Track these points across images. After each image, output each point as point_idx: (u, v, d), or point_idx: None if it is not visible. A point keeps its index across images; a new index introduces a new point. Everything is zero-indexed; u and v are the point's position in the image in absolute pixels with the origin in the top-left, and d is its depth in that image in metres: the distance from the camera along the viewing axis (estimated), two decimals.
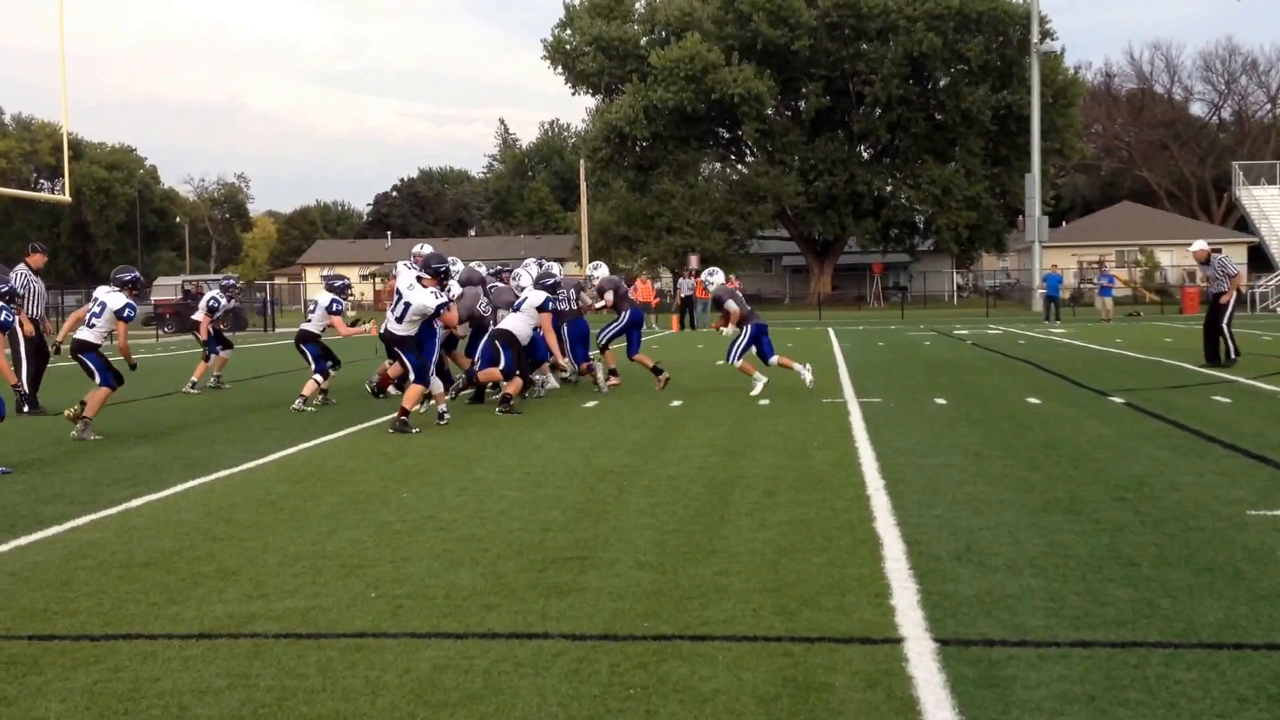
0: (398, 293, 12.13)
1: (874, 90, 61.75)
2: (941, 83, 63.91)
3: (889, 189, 66.91)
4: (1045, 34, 59.65)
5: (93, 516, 7.46)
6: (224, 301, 17.50)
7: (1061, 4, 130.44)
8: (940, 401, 13.69)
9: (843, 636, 4.78)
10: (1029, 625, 4.89)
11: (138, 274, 12.87)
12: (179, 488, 8.52)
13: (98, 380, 11.89)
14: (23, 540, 6.82)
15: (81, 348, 12.06)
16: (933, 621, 4.95)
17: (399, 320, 11.95)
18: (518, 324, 13.36)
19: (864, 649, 4.63)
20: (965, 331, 32.97)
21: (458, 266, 15.54)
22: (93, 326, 12.18)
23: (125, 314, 12.13)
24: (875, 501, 7.59)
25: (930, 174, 62.78)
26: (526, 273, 15.10)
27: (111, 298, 12.20)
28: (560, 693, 4.18)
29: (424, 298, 11.92)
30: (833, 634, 4.81)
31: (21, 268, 15.00)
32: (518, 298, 13.98)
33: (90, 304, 12.52)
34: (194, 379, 16.87)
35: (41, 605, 5.38)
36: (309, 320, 14.79)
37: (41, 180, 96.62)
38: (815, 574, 5.75)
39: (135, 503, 7.93)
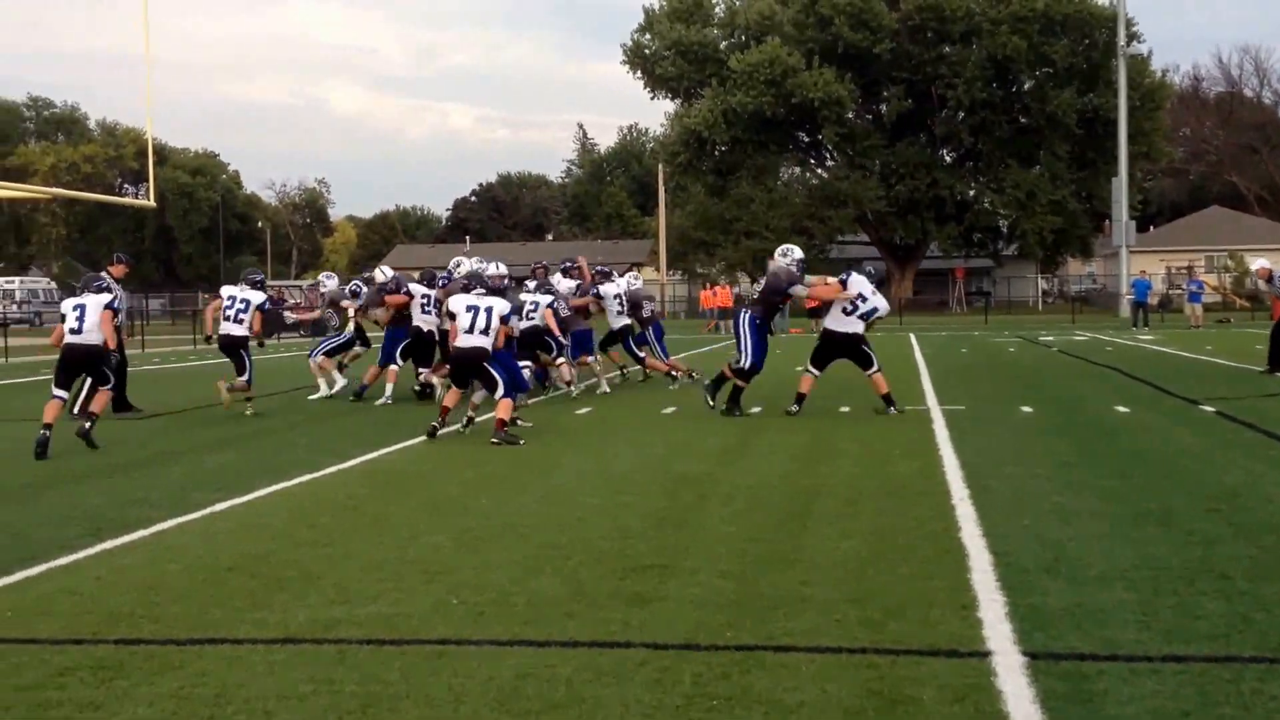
0: (473, 308, 11.56)
1: (957, 93, 61.12)
2: (1026, 86, 63.10)
3: (972, 193, 66.20)
4: (1132, 37, 58.75)
5: (178, 520, 7.56)
6: (364, 289, 17.20)
7: (1148, 7, 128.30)
8: (1026, 409, 13.47)
9: (929, 649, 4.69)
10: (1120, 639, 4.78)
11: (263, 275, 15.33)
12: (262, 492, 8.61)
13: (246, 376, 13.96)
14: (109, 544, 6.91)
15: (234, 343, 14.14)
16: (1021, 634, 4.85)
17: (484, 333, 11.44)
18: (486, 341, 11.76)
19: (951, 662, 4.54)
20: (1050, 338, 32.46)
21: (464, 268, 15.96)
22: (240, 322, 14.10)
23: (264, 306, 14.45)
24: (960, 511, 7.46)
25: (1014, 178, 61.98)
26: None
27: (253, 294, 14.28)
28: (643, 702, 4.14)
29: (503, 305, 11.64)
30: (919, 646, 4.72)
31: (105, 277, 15.35)
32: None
33: (225, 303, 14.28)
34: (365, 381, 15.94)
35: (128, 609, 5.45)
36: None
37: (126, 185, 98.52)
38: (900, 585, 5.66)
39: (220, 507, 8.03)
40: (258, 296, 14.38)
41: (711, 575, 5.89)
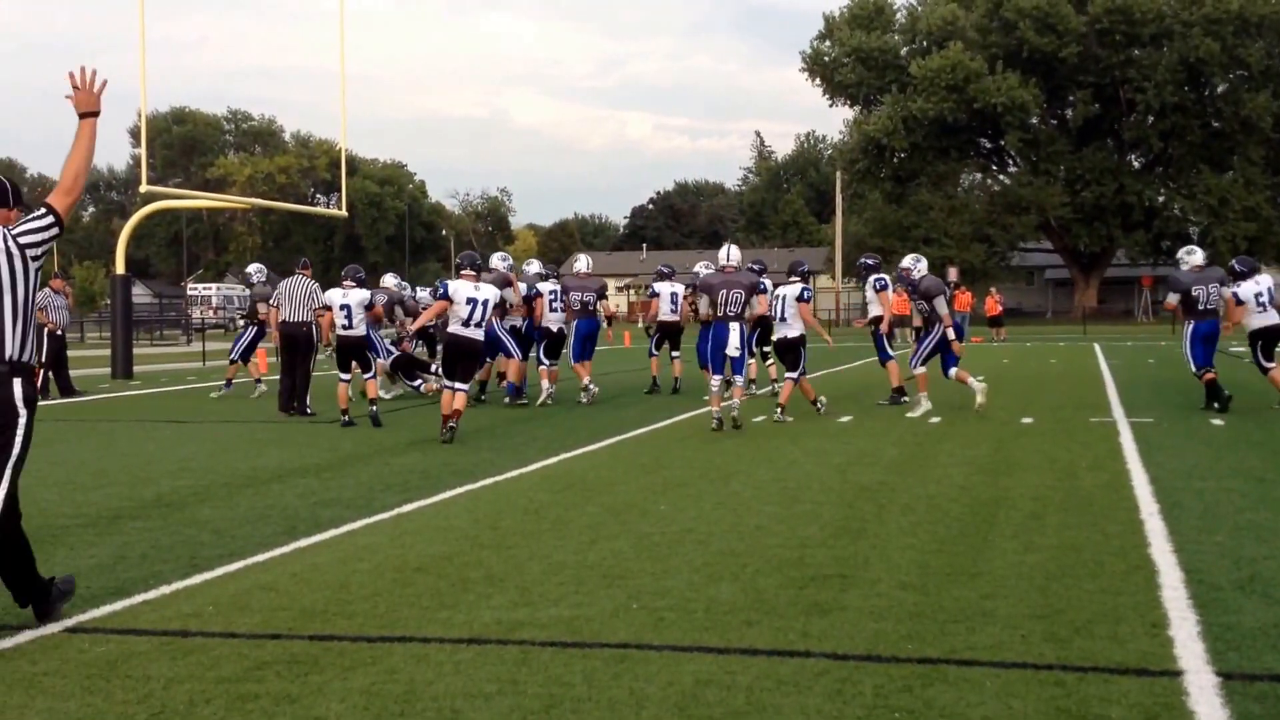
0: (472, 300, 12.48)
1: (1146, 97, 59.09)
2: (1219, 89, 60.57)
3: (1161, 199, 63.94)
4: None
5: (367, 521, 7.80)
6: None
7: None
8: (1217, 422, 12.94)
9: (1118, 667, 4.55)
10: None
11: (363, 273, 15.35)
12: (447, 494, 8.83)
13: (373, 370, 14.50)
14: (303, 542, 7.18)
15: (355, 344, 14.28)
16: (1214, 654, 4.68)
17: (478, 325, 12.60)
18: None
19: (1141, 681, 4.40)
20: (1243, 349, 31.07)
21: (533, 268, 17.42)
22: (351, 326, 14.21)
23: (370, 303, 14.56)
24: (1150, 526, 7.22)
25: (1206, 184, 59.63)
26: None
27: (354, 295, 14.35)
28: (824, 713, 4.11)
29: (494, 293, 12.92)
30: (1107, 664, 4.59)
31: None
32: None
33: (338, 310, 14.45)
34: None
35: (321, 606, 5.65)
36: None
37: (318, 195, 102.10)
38: (1087, 601, 5.50)
39: (407, 508, 8.26)
40: (359, 295, 14.29)
41: (892, 586, 5.81)
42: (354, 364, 14.58)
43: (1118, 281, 70.74)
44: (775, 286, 14.91)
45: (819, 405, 14.41)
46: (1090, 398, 16.52)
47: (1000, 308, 43.05)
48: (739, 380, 13.78)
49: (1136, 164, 65.89)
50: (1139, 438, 11.67)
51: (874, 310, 16.28)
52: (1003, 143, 64.94)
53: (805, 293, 14.00)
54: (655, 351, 18.47)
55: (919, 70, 60.36)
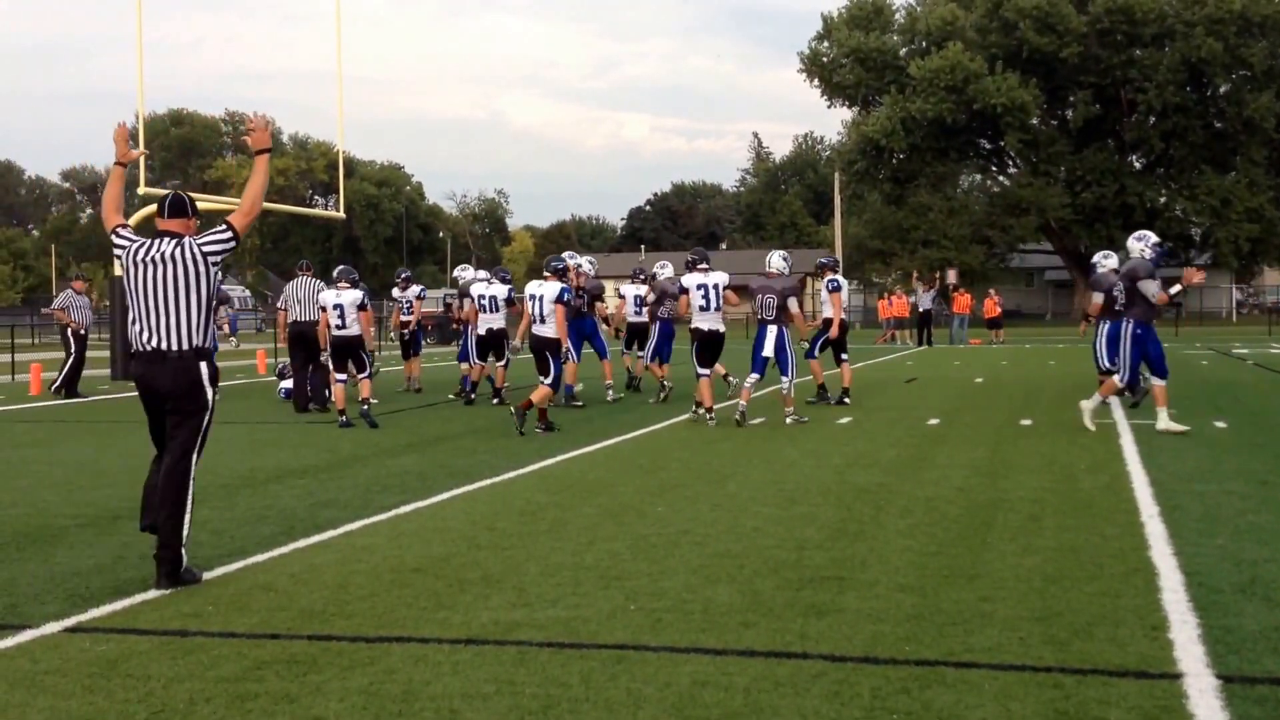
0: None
1: (1148, 98, 59.08)
2: (1222, 89, 60.54)
3: (1163, 200, 63.89)
4: None
5: (365, 522, 7.81)
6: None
7: None
8: (1220, 424, 12.94)
9: (1117, 669, 4.55)
10: None
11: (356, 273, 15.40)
12: (444, 496, 8.84)
13: (367, 372, 14.59)
14: (301, 543, 7.18)
15: (349, 344, 14.43)
16: (1214, 657, 4.67)
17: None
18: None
19: (1140, 683, 4.40)
20: (1245, 350, 31.07)
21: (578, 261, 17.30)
22: (345, 326, 14.37)
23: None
24: (1150, 529, 7.22)
25: (1208, 185, 59.61)
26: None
27: (347, 296, 14.40)
28: (822, 714, 4.11)
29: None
30: (1106, 666, 4.59)
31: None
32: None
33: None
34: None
35: (320, 606, 5.65)
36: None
37: (316, 196, 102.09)
38: (1086, 603, 5.50)
39: (404, 509, 8.26)
40: (351, 296, 14.37)
41: (890, 588, 5.82)
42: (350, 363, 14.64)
43: None
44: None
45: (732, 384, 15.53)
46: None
47: (999, 309, 43.05)
48: (785, 382, 13.89)
49: (1138, 165, 65.87)
50: (1139, 440, 11.67)
51: (826, 311, 16.27)
52: (1002, 144, 64.91)
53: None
54: (626, 350, 18.70)
55: (918, 71, 60.35)
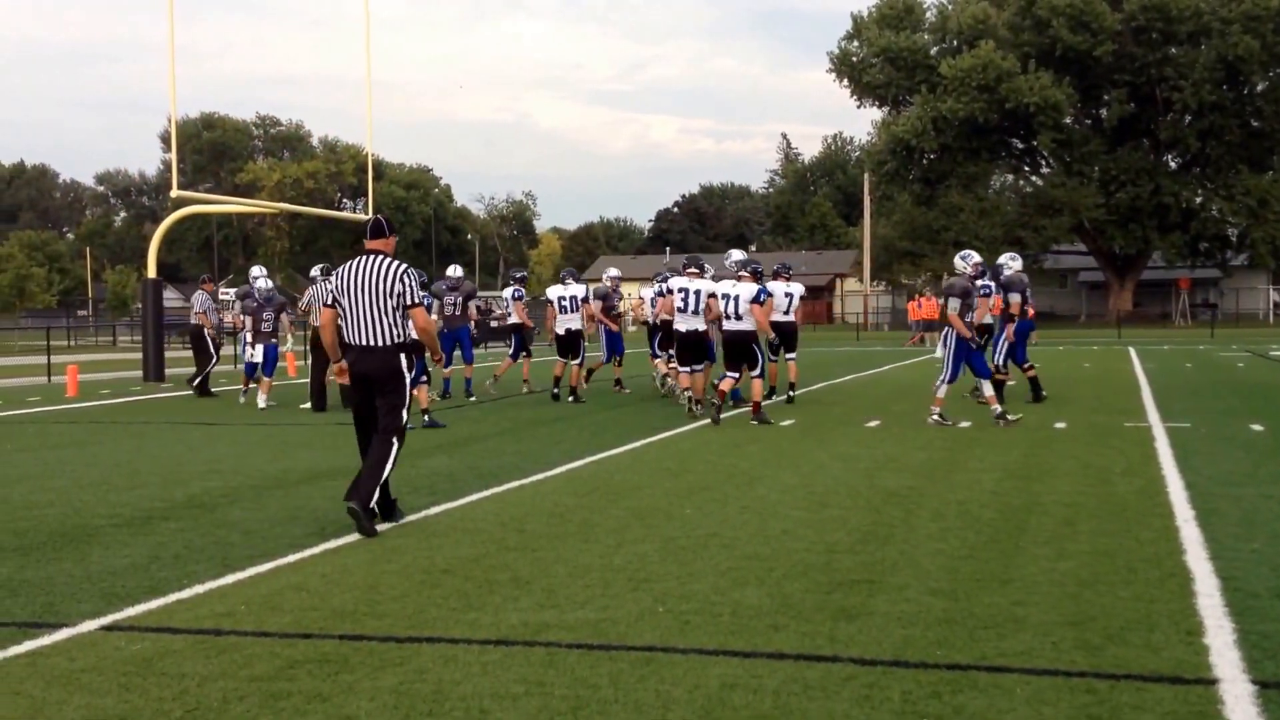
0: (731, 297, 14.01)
1: (1183, 96, 58.64)
2: (1259, 87, 60.03)
3: (1199, 200, 63.39)
4: None
5: (395, 523, 7.83)
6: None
7: None
8: (1257, 428, 12.82)
9: (1151, 675, 4.52)
10: None
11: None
12: (473, 497, 8.85)
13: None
14: (332, 543, 7.22)
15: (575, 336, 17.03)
16: (1251, 662, 4.63)
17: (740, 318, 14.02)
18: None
19: (1174, 689, 4.36)
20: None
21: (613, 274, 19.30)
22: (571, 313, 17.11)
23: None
24: (1185, 533, 7.15)
25: (1245, 184, 59.12)
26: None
27: (577, 288, 17.12)
28: (851, 718, 4.10)
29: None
30: (1140, 672, 4.55)
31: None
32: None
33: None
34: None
35: (351, 606, 5.68)
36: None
37: (345, 199, 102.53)
38: (1120, 608, 5.46)
39: (433, 511, 8.29)
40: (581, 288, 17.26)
41: (920, 592, 5.79)
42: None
43: (1154, 284, 70.24)
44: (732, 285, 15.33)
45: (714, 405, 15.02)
46: (1125, 402, 16.41)
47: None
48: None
49: (1173, 164, 65.40)
50: (1175, 443, 11.58)
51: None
52: (1035, 143, 64.59)
53: (761, 294, 14.32)
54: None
55: (949, 70, 60.11)
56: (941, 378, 13.46)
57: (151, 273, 26.16)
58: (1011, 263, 16.04)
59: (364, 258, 7.84)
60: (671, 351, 17.54)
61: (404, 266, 7.87)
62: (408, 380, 7.82)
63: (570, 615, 5.45)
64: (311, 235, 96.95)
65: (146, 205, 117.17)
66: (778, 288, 16.90)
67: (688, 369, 14.97)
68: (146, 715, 4.23)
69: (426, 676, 4.58)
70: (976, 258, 14.12)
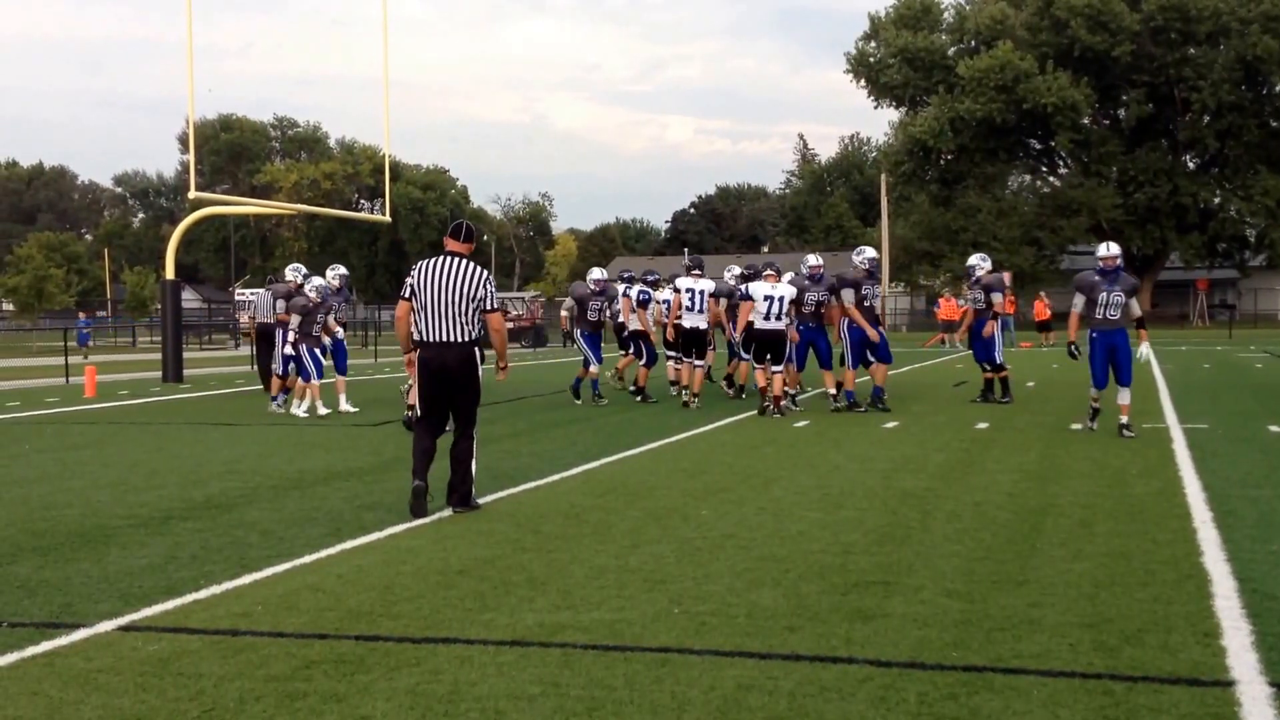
0: (773, 299, 14.71)
1: (1202, 96, 58.41)
2: (1278, 87, 59.73)
3: (1217, 201, 63.16)
4: None
5: (411, 524, 7.84)
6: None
7: None
8: (1275, 429, 12.77)
9: (1168, 677, 4.50)
10: None
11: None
12: (489, 498, 8.85)
13: (644, 359, 17.19)
14: (348, 544, 7.23)
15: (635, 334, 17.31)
16: (1268, 665, 4.62)
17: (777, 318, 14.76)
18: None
19: (1192, 691, 4.34)
20: None
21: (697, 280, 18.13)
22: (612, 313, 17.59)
23: (641, 298, 17.27)
24: (1203, 535, 7.13)
25: (1264, 184, 58.85)
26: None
27: (704, 282, 16.51)
28: (868, 719, 4.10)
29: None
30: (1157, 674, 4.54)
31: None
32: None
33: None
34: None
35: (367, 607, 5.69)
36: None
37: (362, 200, 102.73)
38: (1137, 610, 5.44)
39: (448, 512, 8.30)
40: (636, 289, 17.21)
41: (936, 593, 5.78)
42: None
43: (1172, 285, 69.97)
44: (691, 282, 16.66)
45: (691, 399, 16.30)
46: (1142, 403, 16.32)
47: (1049, 312, 42.64)
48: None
49: (1191, 165, 65.13)
50: (1192, 444, 11.53)
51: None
52: (1053, 144, 64.42)
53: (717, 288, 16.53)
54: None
55: (967, 70, 59.97)
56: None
57: (170, 274, 26.25)
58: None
59: (444, 257, 8.23)
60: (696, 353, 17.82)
61: (486, 273, 8.28)
62: (480, 375, 8.26)
63: (586, 616, 5.45)
64: (329, 236, 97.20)
65: (164, 206, 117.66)
66: (684, 283, 17.25)
67: (680, 361, 16.58)
68: (163, 715, 4.25)
69: (442, 677, 4.59)
70: (870, 252, 15.56)
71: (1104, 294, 12.17)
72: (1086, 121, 62.92)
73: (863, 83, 67.75)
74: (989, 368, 16.36)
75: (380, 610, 5.62)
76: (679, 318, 16.70)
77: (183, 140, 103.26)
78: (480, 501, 8.48)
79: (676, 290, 16.67)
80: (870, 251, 15.57)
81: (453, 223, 8.55)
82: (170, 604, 5.81)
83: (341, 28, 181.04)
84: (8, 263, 75.02)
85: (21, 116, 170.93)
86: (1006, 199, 66.29)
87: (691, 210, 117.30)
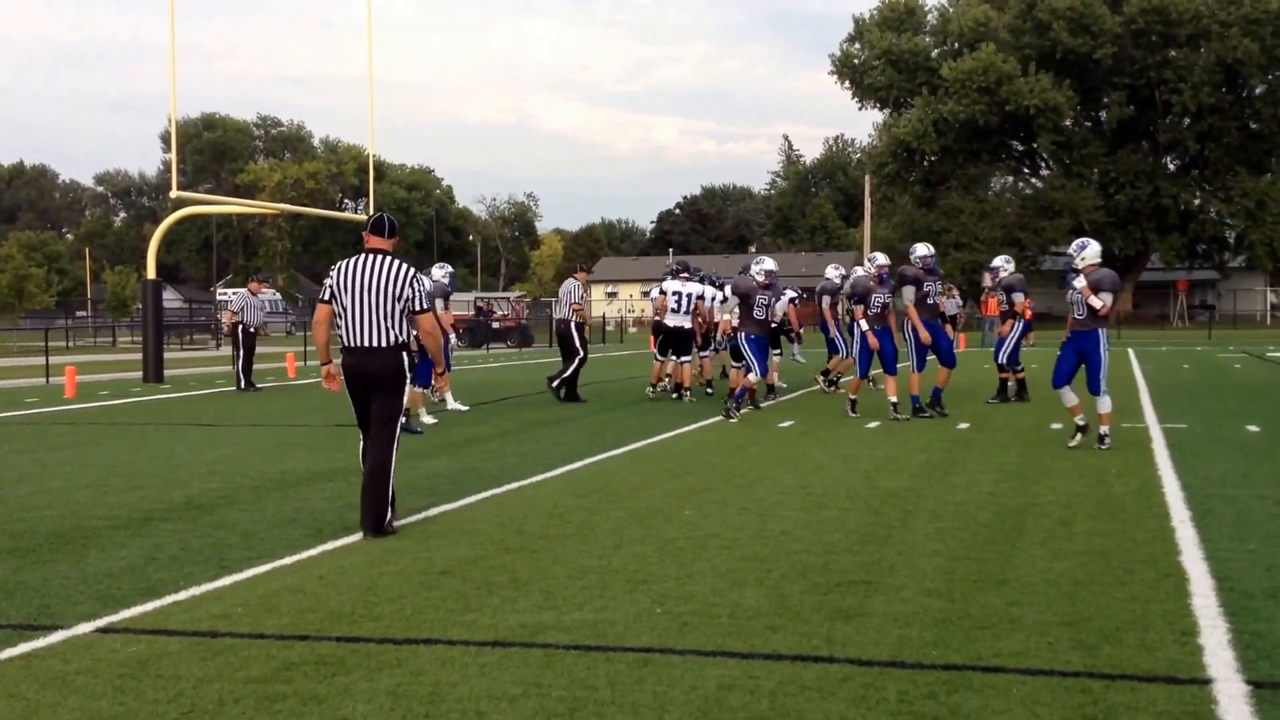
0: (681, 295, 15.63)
1: (1182, 99, 58.69)
2: (1258, 90, 60.09)
3: (1197, 202, 63.48)
4: None
5: (394, 524, 7.83)
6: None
7: None
8: (1253, 429, 12.83)
9: (1146, 675, 4.52)
10: None
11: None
12: (473, 499, 8.85)
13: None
14: (330, 545, 7.21)
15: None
16: (1245, 663, 4.64)
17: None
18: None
19: (1169, 689, 4.37)
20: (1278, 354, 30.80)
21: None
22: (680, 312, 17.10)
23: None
24: (1181, 534, 7.16)
25: (1243, 186, 59.16)
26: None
27: (692, 286, 17.10)
28: (848, 718, 4.10)
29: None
30: (1135, 672, 4.56)
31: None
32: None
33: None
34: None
35: (348, 608, 5.67)
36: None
37: (346, 200, 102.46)
38: (1115, 608, 5.46)
39: (433, 512, 8.29)
40: (697, 288, 17.27)
41: (917, 593, 5.79)
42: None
43: (1153, 285, 70.27)
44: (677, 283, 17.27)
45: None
46: (1122, 403, 16.38)
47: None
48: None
49: (1172, 166, 65.45)
50: (1171, 444, 11.59)
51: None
52: (1035, 145, 64.67)
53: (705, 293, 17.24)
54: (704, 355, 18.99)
55: (950, 72, 60.14)
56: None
57: (151, 273, 26.12)
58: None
59: (366, 256, 7.60)
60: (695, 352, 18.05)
61: (413, 270, 7.66)
62: (408, 381, 7.69)
63: (568, 616, 5.45)
64: (313, 236, 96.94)
65: (146, 206, 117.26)
66: (670, 285, 17.47)
67: (689, 358, 17.21)
68: (141, 718, 4.23)
69: (423, 678, 4.59)
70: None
71: (1069, 292, 11.64)
72: (1068, 123, 63.16)
73: (847, 85, 67.90)
74: (1007, 366, 16.74)
75: (362, 611, 5.61)
76: (661, 318, 17.35)
77: (165, 139, 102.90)
78: (397, 524, 7.64)
79: (663, 292, 17.24)
80: (882, 257, 14.87)
81: (372, 216, 7.80)
82: (149, 605, 5.78)
83: (327, 28, 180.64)
84: None
85: (2, 115, 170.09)
86: (989, 200, 66.49)
87: (677, 211, 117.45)
